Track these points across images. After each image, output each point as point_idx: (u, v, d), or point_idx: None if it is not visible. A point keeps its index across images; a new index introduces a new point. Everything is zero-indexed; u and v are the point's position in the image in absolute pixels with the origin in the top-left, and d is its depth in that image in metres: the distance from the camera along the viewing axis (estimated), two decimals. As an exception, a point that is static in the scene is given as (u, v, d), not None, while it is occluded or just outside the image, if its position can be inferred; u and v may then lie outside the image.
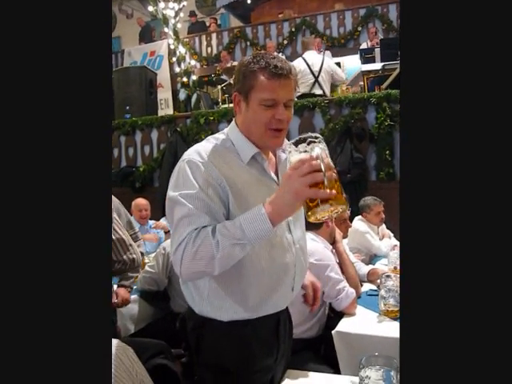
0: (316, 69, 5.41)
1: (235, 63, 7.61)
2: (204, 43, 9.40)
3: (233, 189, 1.17)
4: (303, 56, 5.54)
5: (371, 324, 1.94)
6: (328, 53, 7.60)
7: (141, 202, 3.97)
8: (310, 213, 1.03)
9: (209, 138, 1.30)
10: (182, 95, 7.27)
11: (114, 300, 2.32)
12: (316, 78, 5.40)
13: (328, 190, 0.99)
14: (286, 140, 1.26)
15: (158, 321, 2.74)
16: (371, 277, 2.61)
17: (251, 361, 1.27)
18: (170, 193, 1.19)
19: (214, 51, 9.25)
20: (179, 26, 7.70)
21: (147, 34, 10.16)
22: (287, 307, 1.40)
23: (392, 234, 3.77)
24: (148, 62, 8.72)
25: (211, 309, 1.24)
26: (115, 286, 2.44)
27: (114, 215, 2.17)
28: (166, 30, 7.66)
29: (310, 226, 2.19)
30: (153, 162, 5.78)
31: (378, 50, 5.96)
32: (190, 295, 1.29)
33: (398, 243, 3.36)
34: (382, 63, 5.52)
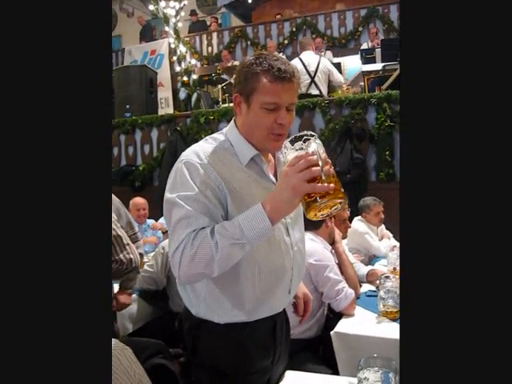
0: (312, 69, 5.41)
1: (236, 62, 7.61)
2: (205, 42, 9.39)
3: (231, 191, 1.16)
4: (300, 56, 5.54)
5: (370, 325, 1.94)
6: (329, 53, 7.62)
7: (139, 201, 3.94)
8: (308, 209, 1.02)
9: (207, 138, 1.29)
10: (183, 94, 7.26)
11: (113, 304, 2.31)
12: (312, 78, 5.39)
13: (325, 184, 0.98)
14: None
15: (157, 320, 2.74)
16: (370, 277, 2.61)
17: (247, 363, 1.26)
18: (168, 195, 1.17)
19: (215, 50, 9.25)
20: (180, 25, 7.68)
21: (148, 33, 10.15)
22: (284, 308, 1.39)
23: (391, 235, 3.76)
24: (148, 61, 8.71)
25: (208, 310, 1.23)
26: (116, 288, 2.42)
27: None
28: (166, 28, 7.65)
29: (310, 227, 2.19)
30: (153, 161, 5.78)
31: (378, 51, 5.96)
32: (186, 296, 1.29)
33: (397, 244, 3.35)
34: (383, 64, 5.52)
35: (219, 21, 10.71)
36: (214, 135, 1.29)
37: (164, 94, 8.51)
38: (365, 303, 2.18)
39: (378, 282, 2.19)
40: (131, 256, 2.03)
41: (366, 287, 2.49)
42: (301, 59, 5.45)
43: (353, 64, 7.66)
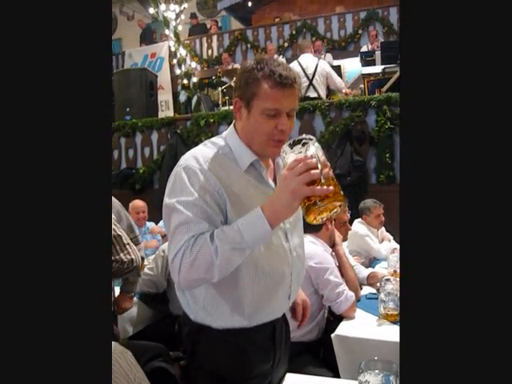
0: (310, 72, 5.40)
1: (236, 65, 7.63)
2: (205, 45, 9.41)
3: (230, 196, 1.15)
4: (298, 59, 5.54)
5: (370, 327, 1.93)
6: (329, 55, 7.63)
7: (138, 204, 3.92)
8: (308, 212, 1.01)
9: (206, 142, 1.27)
10: (183, 97, 7.28)
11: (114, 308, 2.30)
12: (310, 80, 5.39)
13: (325, 187, 0.98)
14: None
15: (157, 323, 2.73)
16: (371, 280, 2.61)
17: (247, 367, 1.25)
18: (167, 200, 1.16)
19: (215, 53, 9.27)
20: (180, 28, 7.71)
21: (148, 36, 10.18)
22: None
23: (392, 237, 3.76)
24: (149, 64, 8.72)
25: (206, 316, 1.22)
26: (117, 291, 2.42)
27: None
28: (166, 32, 7.68)
29: (310, 229, 2.19)
30: (153, 163, 5.77)
31: (378, 53, 5.97)
32: (185, 302, 1.27)
33: (397, 246, 3.35)
34: (383, 66, 5.52)
35: (219, 24, 10.73)
36: (214, 139, 1.28)
37: (164, 96, 8.52)
38: (365, 306, 2.18)
39: (378, 284, 2.19)
40: (132, 256, 2.00)
41: (366, 290, 2.48)
42: (299, 62, 5.45)
43: (353, 66, 7.67)
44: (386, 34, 8.10)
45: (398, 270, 2.48)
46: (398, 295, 1.93)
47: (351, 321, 2.03)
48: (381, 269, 2.94)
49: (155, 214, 4.17)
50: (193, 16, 10.08)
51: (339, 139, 4.81)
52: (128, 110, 6.20)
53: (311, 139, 1.05)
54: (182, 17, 7.68)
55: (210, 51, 9.36)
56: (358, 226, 3.52)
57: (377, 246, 3.46)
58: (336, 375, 1.88)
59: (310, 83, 5.40)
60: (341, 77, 6.92)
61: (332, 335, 1.88)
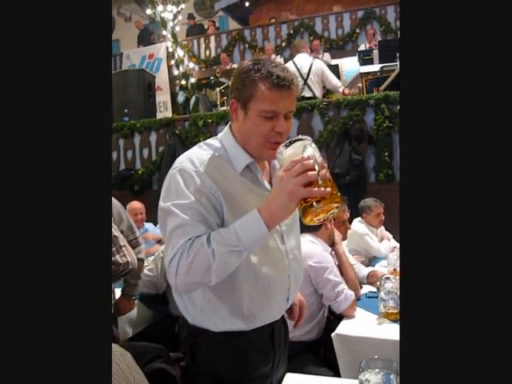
0: (305, 71, 5.39)
1: (234, 66, 7.63)
2: (202, 46, 9.41)
3: (226, 198, 1.14)
4: (293, 59, 5.53)
5: (371, 326, 1.93)
6: (327, 55, 7.63)
7: (136, 205, 3.92)
8: (305, 214, 1.00)
9: (201, 144, 1.26)
10: (181, 98, 7.29)
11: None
12: (305, 80, 5.38)
13: (322, 188, 0.97)
14: None
15: (157, 324, 2.73)
16: (371, 279, 2.61)
17: (247, 370, 1.25)
18: (162, 203, 1.15)
19: (213, 54, 9.27)
20: (177, 28, 7.71)
21: (146, 37, 10.18)
22: None
23: (391, 236, 3.76)
24: (146, 65, 8.73)
25: (204, 319, 1.21)
26: (117, 293, 2.42)
27: None
28: (164, 32, 7.68)
29: (309, 228, 2.19)
30: (151, 164, 5.77)
31: (376, 52, 5.96)
32: (183, 305, 1.27)
33: (397, 245, 3.35)
34: (381, 65, 5.52)
35: (217, 24, 10.74)
36: (209, 141, 1.27)
37: (162, 97, 8.52)
38: (365, 305, 2.18)
39: (378, 283, 2.18)
40: (128, 259, 1.96)
41: (366, 288, 2.48)
42: (294, 62, 5.44)
43: (351, 65, 7.68)
44: (384, 32, 8.10)
45: (398, 269, 2.48)
46: (398, 294, 1.93)
47: (351, 320, 2.03)
48: (381, 267, 2.94)
49: (154, 215, 4.12)
50: (190, 17, 10.09)
51: (338, 138, 4.80)
52: (126, 111, 6.19)
53: (308, 140, 1.05)
54: (180, 18, 7.68)
55: (207, 52, 9.36)
56: (358, 224, 3.52)
57: (376, 244, 3.46)
58: (337, 374, 1.88)
59: (305, 83, 5.39)
60: (339, 76, 6.92)
61: (332, 334, 1.88)
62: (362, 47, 7.46)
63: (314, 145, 1.04)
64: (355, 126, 4.81)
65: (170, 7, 7.32)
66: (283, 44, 8.69)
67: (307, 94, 5.38)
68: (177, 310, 1.32)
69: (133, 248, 2.35)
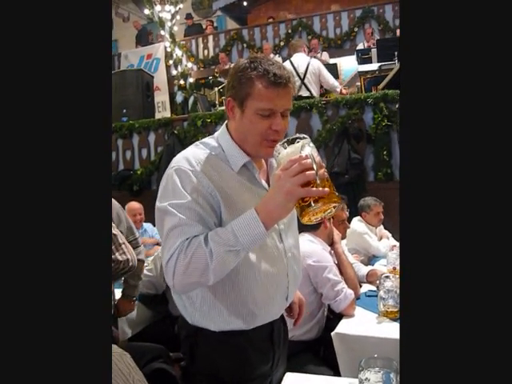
0: (302, 71, 5.38)
1: (233, 65, 7.61)
2: (201, 46, 9.40)
3: (224, 197, 1.13)
4: (291, 59, 5.52)
5: (370, 325, 1.93)
6: (325, 54, 7.63)
7: (134, 206, 3.91)
8: (303, 213, 1.00)
9: (197, 143, 1.25)
10: (179, 98, 7.28)
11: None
12: (302, 79, 5.38)
13: (320, 188, 0.96)
14: None
15: (157, 324, 2.73)
16: (370, 278, 2.61)
17: (247, 369, 1.24)
18: (158, 203, 1.14)
19: (211, 53, 9.26)
20: (176, 28, 7.71)
21: (144, 37, 10.17)
22: None
23: (390, 235, 3.76)
24: (145, 65, 8.71)
25: (203, 318, 1.21)
26: (117, 294, 2.41)
27: None
28: (162, 32, 7.68)
29: (308, 228, 2.19)
30: (150, 165, 5.76)
31: (374, 51, 5.97)
32: (182, 304, 1.26)
33: (396, 243, 3.35)
34: (379, 64, 5.53)
35: (215, 24, 10.73)
36: (205, 140, 1.26)
37: (161, 97, 8.51)
38: (365, 303, 2.17)
39: (377, 282, 2.18)
40: (128, 256, 1.94)
41: (365, 287, 2.48)
42: (291, 61, 5.43)
43: (349, 64, 7.68)
44: (382, 31, 8.11)
45: (398, 267, 2.49)
46: (398, 292, 1.93)
47: (351, 319, 2.03)
48: (380, 266, 2.95)
49: (153, 215, 4.14)
50: (188, 16, 10.08)
51: (336, 137, 4.80)
52: (125, 111, 6.18)
53: (305, 138, 1.04)
54: (178, 17, 7.68)
55: (205, 51, 9.36)
56: (357, 223, 3.52)
57: (376, 243, 3.46)
58: (336, 373, 1.88)
59: (302, 82, 5.38)
60: (337, 75, 6.92)
61: (332, 333, 1.88)
62: (360, 46, 7.47)
63: (311, 144, 1.04)
64: (354, 124, 4.81)
65: (167, 7, 7.31)
66: (281, 43, 8.69)
67: (304, 93, 5.38)
68: (176, 309, 1.32)
69: (133, 249, 2.35)
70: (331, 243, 2.33)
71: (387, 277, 2.02)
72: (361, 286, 2.40)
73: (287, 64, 5.32)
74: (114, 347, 0.97)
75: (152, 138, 5.90)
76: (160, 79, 8.47)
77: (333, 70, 6.44)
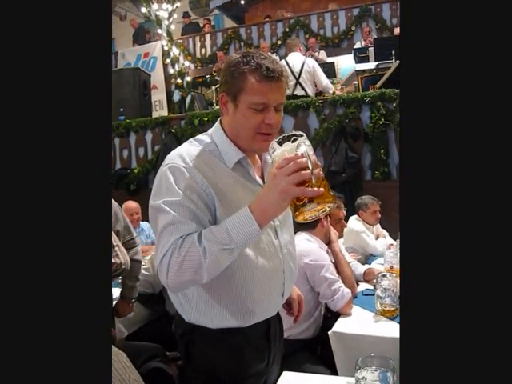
0: (297, 70, 5.37)
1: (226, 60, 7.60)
2: (198, 44, 9.39)
3: (218, 194, 1.13)
4: (286, 58, 5.52)
5: (368, 324, 1.93)
6: (322, 53, 7.63)
7: (131, 205, 3.90)
8: (297, 213, 0.99)
9: (191, 140, 1.25)
10: (177, 96, 7.26)
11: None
12: (297, 79, 5.37)
13: (315, 188, 0.96)
14: None
15: (154, 323, 2.73)
16: (367, 276, 2.61)
17: (244, 367, 1.24)
18: (152, 201, 1.14)
19: (208, 52, 9.26)
20: (173, 27, 7.68)
21: (141, 36, 10.14)
22: None
23: (387, 234, 3.77)
24: (142, 64, 8.69)
25: (200, 316, 1.21)
26: (115, 294, 2.40)
27: None
28: (159, 31, 7.66)
29: (305, 227, 2.19)
30: (147, 163, 5.75)
31: (371, 50, 5.97)
32: (178, 302, 1.26)
33: (393, 242, 3.36)
34: (376, 62, 5.52)
35: (212, 22, 10.71)
36: (199, 137, 1.26)
37: (158, 96, 8.49)
38: (362, 302, 2.18)
39: (374, 280, 2.18)
40: (121, 259, 1.91)
41: (362, 286, 2.48)
42: (286, 61, 5.43)
43: (346, 63, 7.69)
44: (379, 30, 8.12)
45: (395, 266, 2.49)
46: (395, 291, 1.94)
47: (348, 317, 2.03)
48: (377, 265, 2.95)
49: (150, 214, 4.14)
50: (185, 15, 10.06)
51: (333, 136, 4.80)
52: (122, 110, 6.16)
53: (301, 135, 1.04)
54: (175, 16, 7.65)
55: (203, 50, 9.35)
56: (354, 222, 3.52)
57: (373, 242, 3.46)
58: (334, 372, 1.88)
59: (297, 82, 5.38)
60: (335, 74, 6.92)
61: (329, 332, 1.88)
62: (357, 45, 7.47)
63: (308, 142, 1.03)
64: (351, 123, 4.81)
65: (165, 5, 7.29)
66: (279, 42, 8.69)
67: (299, 92, 5.37)
68: (173, 308, 1.32)
69: (130, 248, 2.34)
70: (328, 242, 2.33)
71: (384, 275, 2.03)
72: (358, 285, 2.40)
73: (282, 63, 5.30)
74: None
75: (149, 136, 5.89)
76: (157, 78, 8.45)
77: (330, 68, 6.45)
